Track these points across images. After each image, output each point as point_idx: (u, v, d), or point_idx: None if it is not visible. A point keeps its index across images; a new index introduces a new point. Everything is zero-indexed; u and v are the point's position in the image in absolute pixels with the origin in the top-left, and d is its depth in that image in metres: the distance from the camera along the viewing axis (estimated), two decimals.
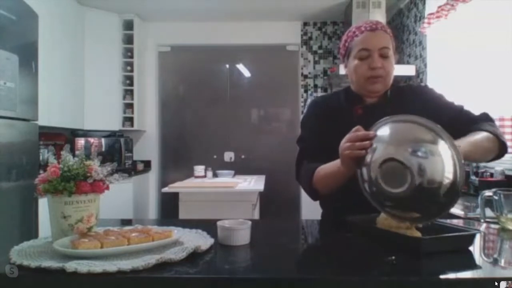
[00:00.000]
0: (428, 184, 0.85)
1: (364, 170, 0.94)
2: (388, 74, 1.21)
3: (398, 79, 3.72)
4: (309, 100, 4.30)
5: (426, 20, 2.94)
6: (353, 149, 0.96)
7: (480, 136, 1.13)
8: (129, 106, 4.20)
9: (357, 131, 0.98)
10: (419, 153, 0.86)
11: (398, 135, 0.94)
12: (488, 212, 1.20)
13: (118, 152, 3.95)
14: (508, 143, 2.29)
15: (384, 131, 0.95)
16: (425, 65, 3.28)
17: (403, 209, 0.91)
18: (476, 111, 1.26)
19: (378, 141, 0.94)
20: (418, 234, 0.91)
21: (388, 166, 0.88)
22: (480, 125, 1.18)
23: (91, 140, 3.81)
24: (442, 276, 0.74)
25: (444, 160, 0.86)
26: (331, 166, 1.13)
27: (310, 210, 1.38)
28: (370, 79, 1.20)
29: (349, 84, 1.33)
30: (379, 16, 3.63)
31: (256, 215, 3.11)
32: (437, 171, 0.85)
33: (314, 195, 1.25)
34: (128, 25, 4.19)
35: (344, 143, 1.00)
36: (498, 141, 1.15)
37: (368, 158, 0.93)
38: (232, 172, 3.88)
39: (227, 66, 4.63)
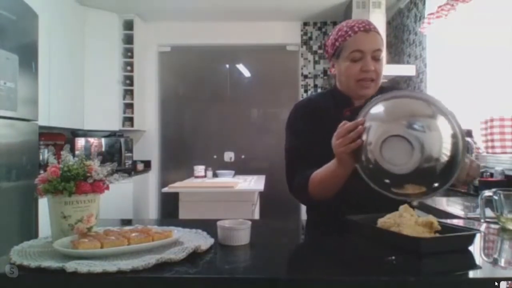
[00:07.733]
0: (428, 160, 0.87)
1: (363, 154, 0.94)
2: (379, 77, 1.18)
3: (398, 79, 3.73)
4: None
5: (426, 20, 2.94)
6: (346, 142, 0.95)
7: None
8: (129, 106, 4.19)
9: (344, 125, 0.97)
10: (418, 127, 0.88)
11: (392, 111, 0.95)
12: (488, 212, 1.20)
13: (118, 152, 3.95)
14: (508, 143, 2.30)
15: (377, 109, 0.96)
16: (425, 65, 3.28)
17: (408, 184, 0.91)
18: (476, 111, 1.26)
19: (372, 120, 0.94)
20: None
21: (387, 144, 0.90)
22: None
23: (91, 140, 3.81)
24: (442, 276, 0.74)
25: (442, 134, 0.88)
26: (325, 170, 1.08)
27: None
28: (361, 81, 1.17)
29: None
30: (380, 16, 3.63)
31: (256, 215, 3.11)
32: (436, 145, 0.87)
33: (311, 203, 1.24)
34: (128, 25, 4.19)
35: (335, 141, 0.98)
36: None
37: (364, 140, 0.93)
38: (232, 172, 3.88)
39: (227, 66, 4.63)
